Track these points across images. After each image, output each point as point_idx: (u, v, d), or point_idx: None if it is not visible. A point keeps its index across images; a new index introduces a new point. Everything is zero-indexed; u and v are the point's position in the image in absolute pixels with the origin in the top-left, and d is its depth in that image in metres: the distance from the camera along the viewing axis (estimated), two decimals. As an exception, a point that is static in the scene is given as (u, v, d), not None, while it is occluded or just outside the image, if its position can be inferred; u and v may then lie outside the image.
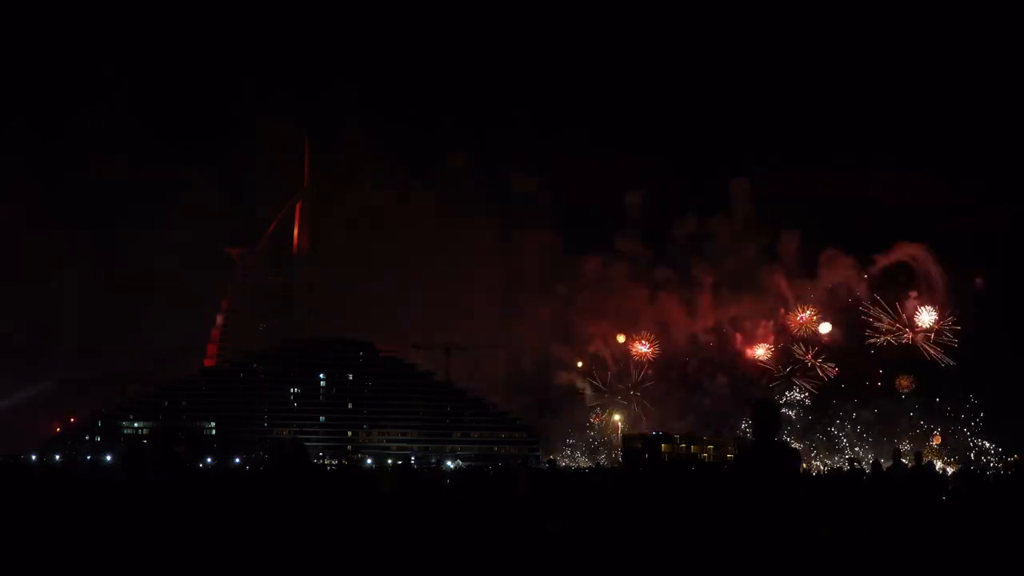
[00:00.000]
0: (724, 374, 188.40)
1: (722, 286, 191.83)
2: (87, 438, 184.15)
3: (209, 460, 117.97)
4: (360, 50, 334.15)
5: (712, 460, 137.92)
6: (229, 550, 20.31)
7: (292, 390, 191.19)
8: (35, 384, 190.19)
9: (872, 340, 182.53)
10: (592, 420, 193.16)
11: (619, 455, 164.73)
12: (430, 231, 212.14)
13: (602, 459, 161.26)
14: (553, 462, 46.46)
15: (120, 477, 28.26)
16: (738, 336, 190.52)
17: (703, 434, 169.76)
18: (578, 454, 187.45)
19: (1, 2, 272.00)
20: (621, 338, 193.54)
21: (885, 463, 35.89)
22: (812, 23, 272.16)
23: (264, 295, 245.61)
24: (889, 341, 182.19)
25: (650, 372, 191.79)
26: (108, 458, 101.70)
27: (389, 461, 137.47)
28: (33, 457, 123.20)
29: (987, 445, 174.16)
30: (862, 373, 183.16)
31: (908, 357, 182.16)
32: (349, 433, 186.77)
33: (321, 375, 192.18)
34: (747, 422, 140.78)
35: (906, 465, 28.99)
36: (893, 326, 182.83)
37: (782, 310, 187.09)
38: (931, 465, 33.95)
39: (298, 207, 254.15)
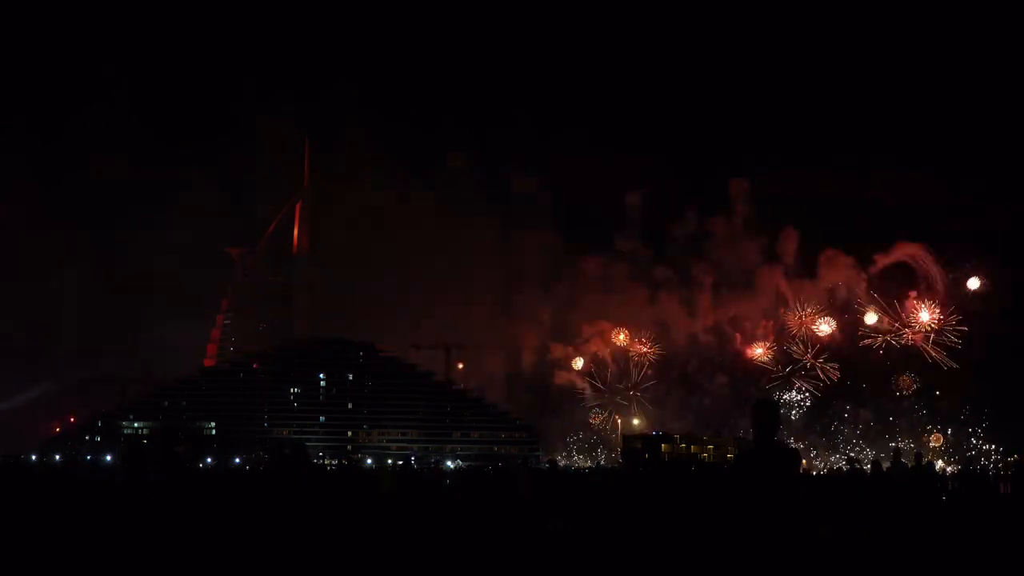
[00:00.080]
0: (724, 374, 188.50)
1: (722, 286, 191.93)
2: (87, 438, 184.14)
3: (209, 460, 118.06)
4: (360, 50, 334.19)
5: (712, 460, 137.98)
6: (229, 550, 20.32)
7: (292, 390, 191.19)
8: (35, 384, 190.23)
9: (869, 341, 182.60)
10: (592, 420, 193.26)
11: (619, 455, 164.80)
12: (430, 231, 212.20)
13: (602, 459, 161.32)
14: (553, 462, 46.41)
15: (120, 477, 28.27)
16: (738, 336, 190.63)
17: (703, 434, 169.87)
18: (578, 454, 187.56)
19: (1, 2, 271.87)
20: (622, 337, 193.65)
21: (885, 463, 35.88)
22: (812, 23, 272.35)
23: (264, 295, 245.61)
24: (888, 341, 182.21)
25: (650, 372, 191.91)
26: (108, 458, 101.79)
27: (389, 461, 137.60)
28: (33, 457, 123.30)
29: (988, 447, 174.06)
30: (862, 373, 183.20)
31: (908, 357, 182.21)
32: (349, 433, 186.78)
33: (321, 375, 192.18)
34: (748, 422, 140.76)
35: (906, 465, 29.00)
36: (892, 326, 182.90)
37: (782, 310, 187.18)
38: (931, 465, 33.98)
39: (298, 207, 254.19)
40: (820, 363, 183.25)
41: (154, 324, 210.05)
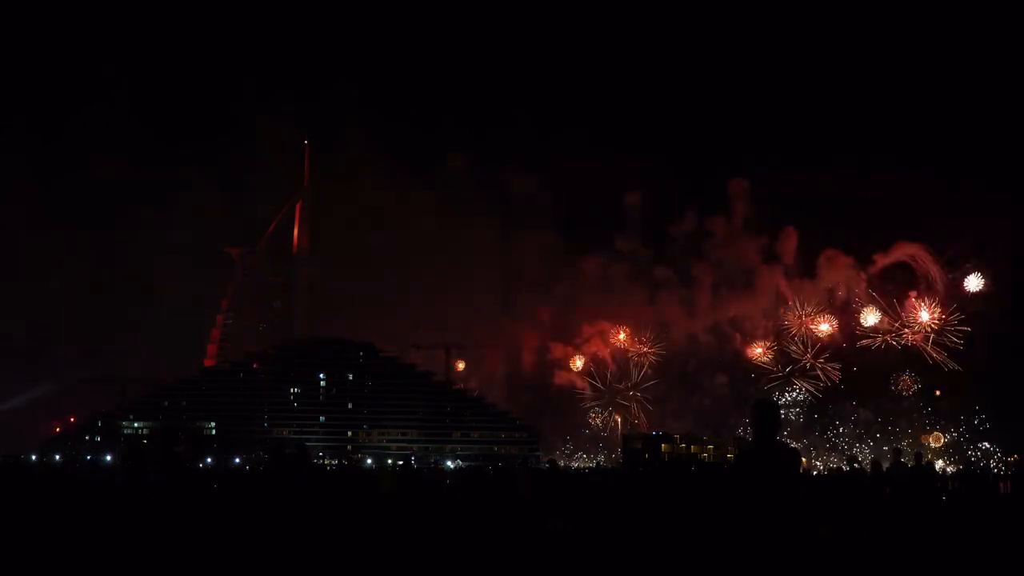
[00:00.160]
0: (724, 374, 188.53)
1: (722, 286, 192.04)
2: (87, 438, 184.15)
3: (209, 460, 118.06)
4: (360, 50, 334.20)
5: (712, 460, 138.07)
6: (229, 550, 20.32)
7: (292, 390, 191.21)
8: (35, 384, 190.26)
9: (868, 341, 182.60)
10: (592, 420, 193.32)
11: (619, 455, 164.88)
12: (430, 231, 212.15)
13: (602, 459, 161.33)
14: (553, 462, 46.41)
15: (120, 477, 28.26)
16: (738, 336, 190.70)
17: (703, 434, 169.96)
18: (578, 454, 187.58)
19: (1, 2, 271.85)
20: (621, 336, 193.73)
21: (885, 463, 35.87)
22: (812, 23, 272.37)
23: (264, 295, 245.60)
24: (888, 341, 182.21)
25: (650, 372, 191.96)
26: (108, 458, 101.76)
27: (389, 461, 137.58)
28: (33, 457, 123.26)
29: (988, 447, 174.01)
30: (862, 373, 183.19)
31: (908, 357, 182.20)
32: (349, 433, 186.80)
33: (321, 375, 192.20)
34: (747, 422, 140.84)
35: (906, 465, 28.98)
36: (892, 326, 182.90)
37: (782, 310, 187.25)
38: (931, 465, 33.96)
39: (298, 207, 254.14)
40: (820, 363, 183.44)
41: (154, 324, 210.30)
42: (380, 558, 20.32)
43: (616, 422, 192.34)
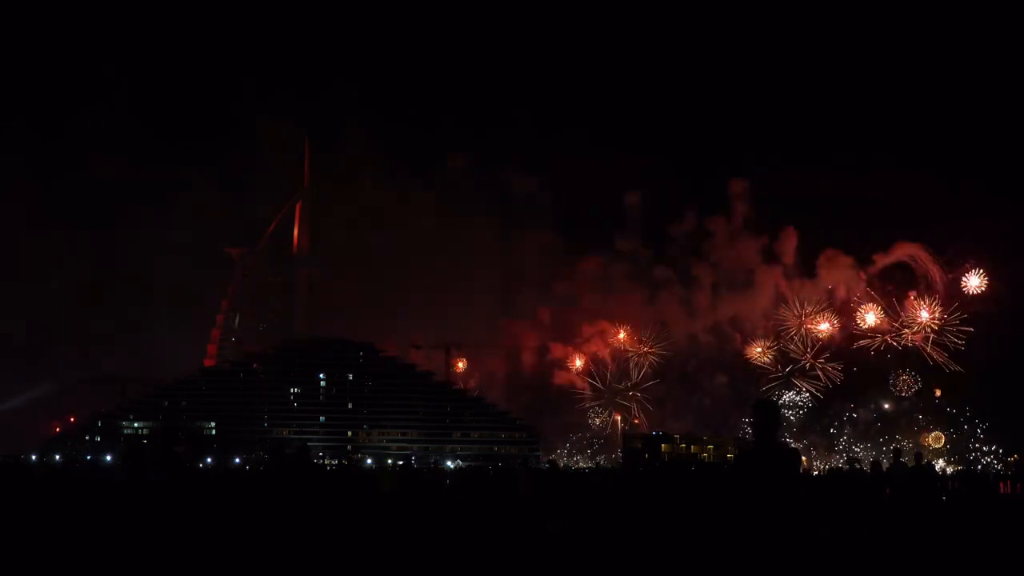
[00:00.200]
0: (724, 374, 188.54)
1: (722, 286, 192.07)
2: (87, 438, 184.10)
3: (209, 460, 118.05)
4: (360, 50, 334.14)
5: (712, 460, 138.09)
6: (229, 550, 20.32)
7: (292, 390, 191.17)
8: (35, 384, 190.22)
9: (868, 341, 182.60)
10: (592, 420, 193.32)
11: (619, 455, 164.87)
12: (430, 231, 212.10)
13: (601, 459, 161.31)
14: (553, 462, 46.42)
15: (120, 477, 28.28)
16: (738, 336, 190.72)
17: (703, 434, 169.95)
18: (578, 454, 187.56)
19: (1, 2, 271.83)
20: (621, 336, 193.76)
21: (885, 463, 35.90)
22: (812, 23, 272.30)
23: (264, 295, 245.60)
24: (887, 341, 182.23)
25: (650, 372, 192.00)
26: (108, 458, 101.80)
27: (389, 461, 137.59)
28: (33, 457, 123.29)
29: (988, 448, 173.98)
30: (862, 373, 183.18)
31: (908, 357, 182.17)
32: (349, 433, 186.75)
33: (321, 375, 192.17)
34: (748, 422, 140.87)
35: (906, 465, 28.97)
36: (892, 326, 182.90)
37: (781, 310, 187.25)
38: (931, 465, 33.95)
39: (298, 207, 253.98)
40: (821, 363, 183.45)
41: (154, 324, 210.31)
42: (380, 558, 20.31)
43: (616, 422, 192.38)
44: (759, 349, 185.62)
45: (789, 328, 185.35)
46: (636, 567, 19.82)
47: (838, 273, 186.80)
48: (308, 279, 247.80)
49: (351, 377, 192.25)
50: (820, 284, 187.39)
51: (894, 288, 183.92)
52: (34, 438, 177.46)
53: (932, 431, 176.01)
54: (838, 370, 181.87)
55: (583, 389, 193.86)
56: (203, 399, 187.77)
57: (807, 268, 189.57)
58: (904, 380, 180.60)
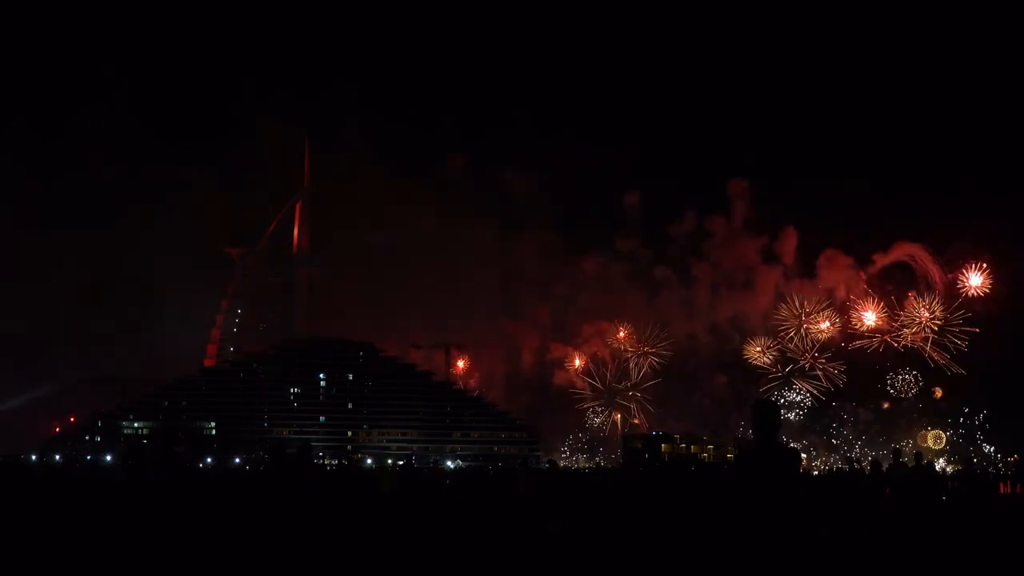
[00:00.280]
0: (724, 374, 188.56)
1: (721, 286, 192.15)
2: (87, 438, 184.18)
3: (209, 460, 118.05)
4: (360, 50, 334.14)
5: (712, 460, 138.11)
6: (229, 550, 20.32)
7: (292, 390, 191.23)
8: (35, 384, 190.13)
9: (868, 341, 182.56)
10: (591, 420, 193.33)
11: (619, 455, 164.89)
12: (430, 231, 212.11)
13: (601, 459, 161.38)
14: (553, 462, 46.41)
15: (120, 477, 28.26)
16: (737, 336, 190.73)
17: (703, 434, 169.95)
18: (578, 454, 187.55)
19: (1, 2, 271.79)
20: (621, 335, 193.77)
21: (885, 463, 35.89)
22: (812, 23, 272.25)
23: (264, 295, 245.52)
24: (887, 341, 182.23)
25: (650, 372, 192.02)
26: (108, 458, 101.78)
27: (389, 461, 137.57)
28: (33, 457, 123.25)
29: (988, 449, 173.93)
30: (862, 373, 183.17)
31: (908, 357, 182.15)
32: (349, 433, 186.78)
33: (321, 375, 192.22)
34: (748, 422, 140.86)
35: (906, 465, 28.96)
36: (891, 326, 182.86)
37: (781, 310, 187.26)
38: (931, 465, 33.95)
39: (298, 207, 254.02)
40: (822, 363, 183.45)
41: (154, 324, 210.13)
42: (380, 558, 20.32)
43: (616, 422, 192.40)
44: (758, 349, 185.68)
45: (789, 328, 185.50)
46: (636, 567, 19.83)
47: (838, 273, 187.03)
48: (308, 279, 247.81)
49: (351, 377, 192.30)
50: (820, 284, 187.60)
51: (894, 288, 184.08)
52: (34, 438, 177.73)
53: (931, 431, 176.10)
54: (840, 371, 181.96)
55: (583, 389, 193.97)
56: (203, 399, 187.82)
57: (807, 268, 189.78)
58: (904, 380, 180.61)
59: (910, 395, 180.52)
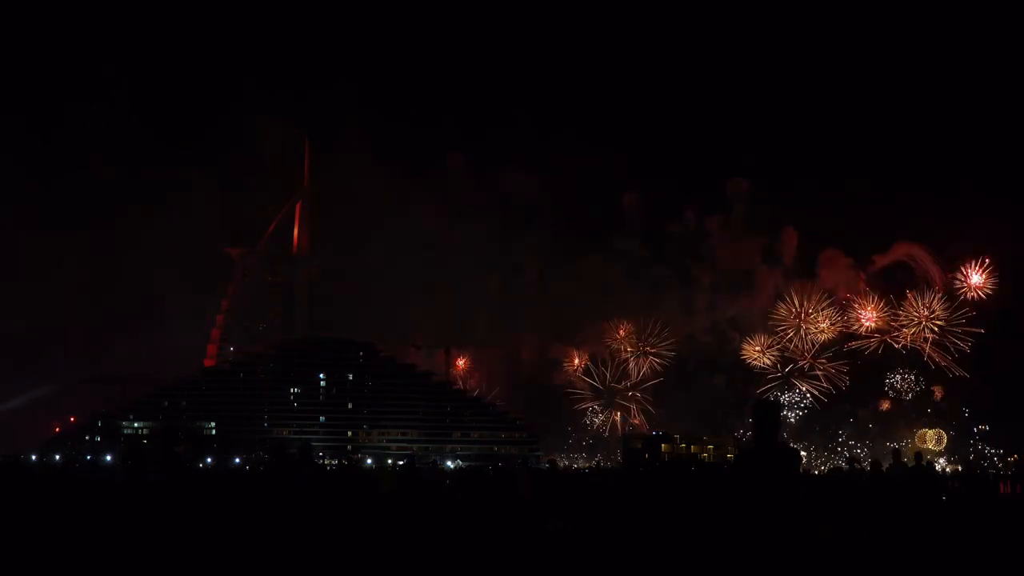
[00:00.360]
0: (724, 374, 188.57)
1: (721, 286, 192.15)
2: (87, 438, 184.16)
3: (209, 460, 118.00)
4: (360, 50, 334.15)
5: (712, 460, 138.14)
6: (229, 550, 20.32)
7: (292, 390, 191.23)
8: (35, 384, 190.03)
9: (868, 341, 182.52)
10: (591, 420, 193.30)
11: (619, 455, 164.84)
12: (430, 231, 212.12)
13: (599, 458, 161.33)
14: (553, 462, 46.40)
15: (120, 477, 28.28)
16: (737, 336, 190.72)
17: (703, 434, 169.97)
18: (578, 454, 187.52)
19: (1, 2, 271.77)
20: (621, 333, 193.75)
21: (885, 463, 35.88)
22: (812, 23, 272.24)
23: (264, 295, 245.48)
24: (887, 341, 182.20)
25: (650, 372, 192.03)
26: (108, 458, 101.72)
27: (389, 461, 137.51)
28: (33, 457, 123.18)
29: (989, 450, 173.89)
30: (862, 374, 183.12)
31: (908, 357, 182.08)
32: (349, 433, 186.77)
33: (321, 375, 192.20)
34: (749, 422, 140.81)
35: (906, 465, 28.96)
36: (891, 326, 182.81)
37: (781, 310, 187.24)
38: (931, 465, 33.93)
39: (298, 207, 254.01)
40: (822, 363, 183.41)
41: (154, 324, 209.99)
42: (380, 558, 20.32)
43: (616, 422, 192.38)
44: (757, 348, 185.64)
45: (788, 328, 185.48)
46: (636, 567, 19.83)
47: (838, 273, 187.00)
48: (308, 279, 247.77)
49: (351, 377, 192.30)
50: (820, 284, 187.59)
51: (894, 288, 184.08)
52: (34, 438, 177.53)
53: (931, 431, 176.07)
54: (842, 371, 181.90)
55: (583, 389, 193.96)
56: (203, 399, 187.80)
57: (807, 268, 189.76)
58: (904, 380, 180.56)
59: (911, 396, 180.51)
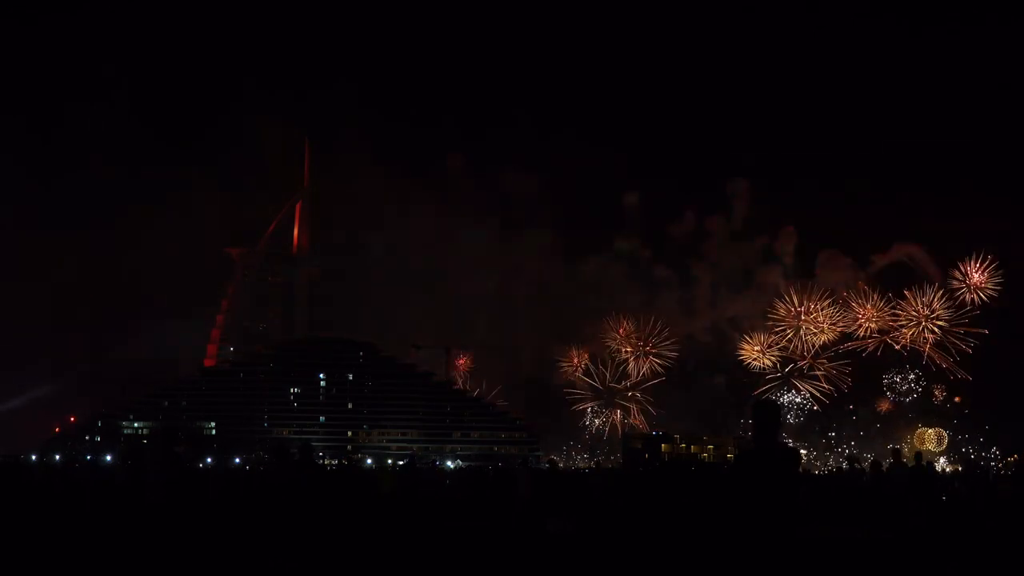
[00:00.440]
0: (723, 374, 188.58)
1: (721, 286, 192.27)
2: (87, 438, 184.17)
3: (209, 460, 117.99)
4: (360, 50, 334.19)
5: (712, 460, 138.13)
6: (229, 550, 20.33)
7: (292, 390, 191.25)
8: (35, 384, 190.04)
9: (868, 341, 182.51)
10: (591, 420, 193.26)
11: (619, 455, 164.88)
12: (430, 231, 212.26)
13: (600, 459, 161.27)
14: (553, 462, 46.41)
15: (120, 477, 28.27)
16: (737, 336, 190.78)
17: (703, 434, 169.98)
18: (578, 454, 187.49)
19: (1, 2, 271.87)
20: (620, 334, 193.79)
21: (885, 463, 35.89)
22: (812, 23, 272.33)
23: (264, 295, 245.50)
24: (887, 341, 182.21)
25: (650, 372, 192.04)
26: (108, 458, 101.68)
27: (389, 461, 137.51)
28: (33, 457, 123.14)
29: (988, 451, 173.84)
30: (862, 374, 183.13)
31: (908, 357, 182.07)
32: (349, 433, 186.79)
33: (321, 375, 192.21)
34: (748, 422, 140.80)
35: (906, 465, 28.95)
36: (891, 326, 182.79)
37: (780, 310, 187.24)
38: (931, 465, 33.90)
39: (298, 207, 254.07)
40: (822, 363, 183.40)
41: (154, 325, 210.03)
42: (380, 558, 20.32)
43: (616, 422, 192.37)
44: (757, 348, 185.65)
45: (787, 328, 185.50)
46: (636, 567, 19.83)
47: (838, 273, 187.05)
48: (308, 279, 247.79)
49: (351, 377, 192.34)
50: (820, 284, 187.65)
51: (893, 288, 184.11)
52: (34, 438, 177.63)
53: (931, 431, 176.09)
54: (844, 372, 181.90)
55: (583, 389, 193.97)
56: (203, 399, 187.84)
57: (807, 268, 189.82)
58: (904, 380, 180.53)
59: (911, 396, 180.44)
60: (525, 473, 30.75)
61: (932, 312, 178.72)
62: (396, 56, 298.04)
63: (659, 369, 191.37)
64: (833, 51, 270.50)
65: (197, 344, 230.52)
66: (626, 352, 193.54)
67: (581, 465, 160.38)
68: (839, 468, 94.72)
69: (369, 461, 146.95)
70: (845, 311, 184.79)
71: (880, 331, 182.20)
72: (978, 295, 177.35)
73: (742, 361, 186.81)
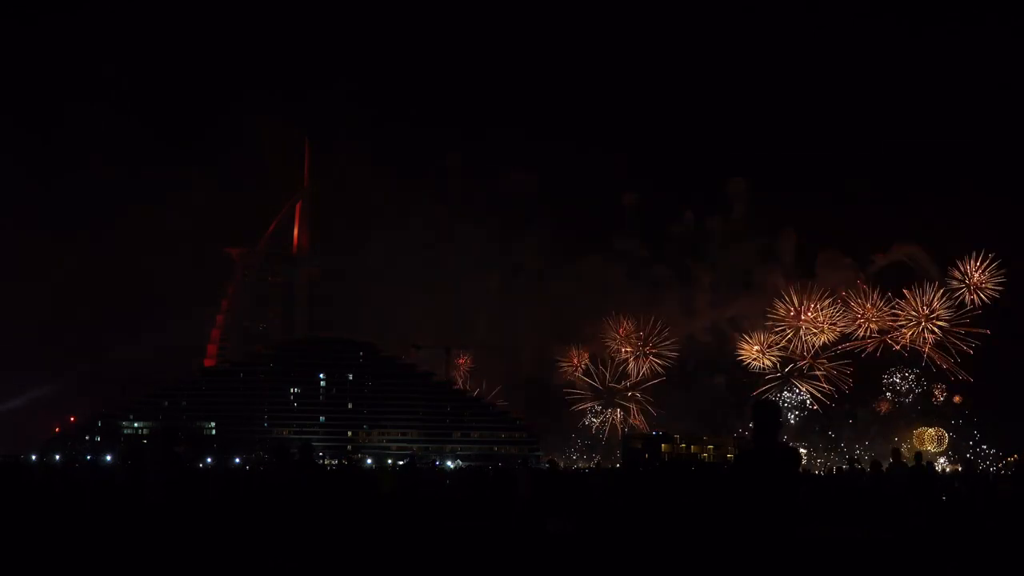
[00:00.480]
0: (723, 374, 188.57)
1: (721, 286, 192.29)
2: (87, 438, 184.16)
3: (209, 460, 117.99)
4: (360, 50, 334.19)
5: (712, 460, 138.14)
6: (229, 550, 20.33)
7: (292, 390, 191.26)
8: (35, 384, 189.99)
9: (868, 341, 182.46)
10: (591, 420, 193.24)
11: (619, 455, 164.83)
12: (430, 231, 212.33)
13: (599, 459, 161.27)
14: (553, 462, 46.43)
15: (120, 477, 28.27)
16: (736, 336, 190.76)
17: (703, 434, 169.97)
18: (578, 454, 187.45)
19: (1, 2, 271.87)
20: (620, 334, 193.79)
21: (885, 463, 35.89)
22: (812, 23, 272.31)
23: (264, 295, 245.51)
24: (887, 341, 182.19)
25: (650, 372, 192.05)
26: (108, 458, 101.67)
27: (389, 461, 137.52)
28: (33, 457, 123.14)
29: (988, 450, 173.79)
30: (862, 374, 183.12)
31: (908, 357, 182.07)
32: (349, 433, 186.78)
33: (321, 375, 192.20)
34: (749, 422, 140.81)
35: (906, 465, 28.94)
36: (891, 326, 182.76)
37: (780, 310, 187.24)
38: (931, 465, 33.88)
39: (298, 207, 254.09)
40: (822, 363, 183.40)
41: (154, 324, 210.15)
42: (380, 558, 20.32)
43: (616, 422, 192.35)
44: (756, 348, 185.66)
45: (787, 329, 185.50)
46: (636, 567, 19.83)
47: (838, 273, 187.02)
48: (308, 279, 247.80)
49: (351, 377, 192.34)
50: (819, 284, 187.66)
51: (893, 288, 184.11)
52: (34, 438, 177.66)
53: (931, 431, 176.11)
54: (844, 372, 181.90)
55: (582, 389, 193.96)
56: (203, 399, 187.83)
57: (807, 268, 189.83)
58: (904, 380, 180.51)
59: (911, 397, 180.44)
60: (525, 473, 30.76)
61: (932, 312, 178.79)
62: (396, 56, 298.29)
63: (659, 369, 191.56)
64: (833, 51, 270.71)
65: (197, 344, 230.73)
66: (626, 352, 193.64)
67: (581, 465, 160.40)
68: (839, 468, 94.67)
69: (369, 461, 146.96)
70: (845, 311, 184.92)
71: (880, 331, 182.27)
72: (978, 295, 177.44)
73: (742, 361, 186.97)
